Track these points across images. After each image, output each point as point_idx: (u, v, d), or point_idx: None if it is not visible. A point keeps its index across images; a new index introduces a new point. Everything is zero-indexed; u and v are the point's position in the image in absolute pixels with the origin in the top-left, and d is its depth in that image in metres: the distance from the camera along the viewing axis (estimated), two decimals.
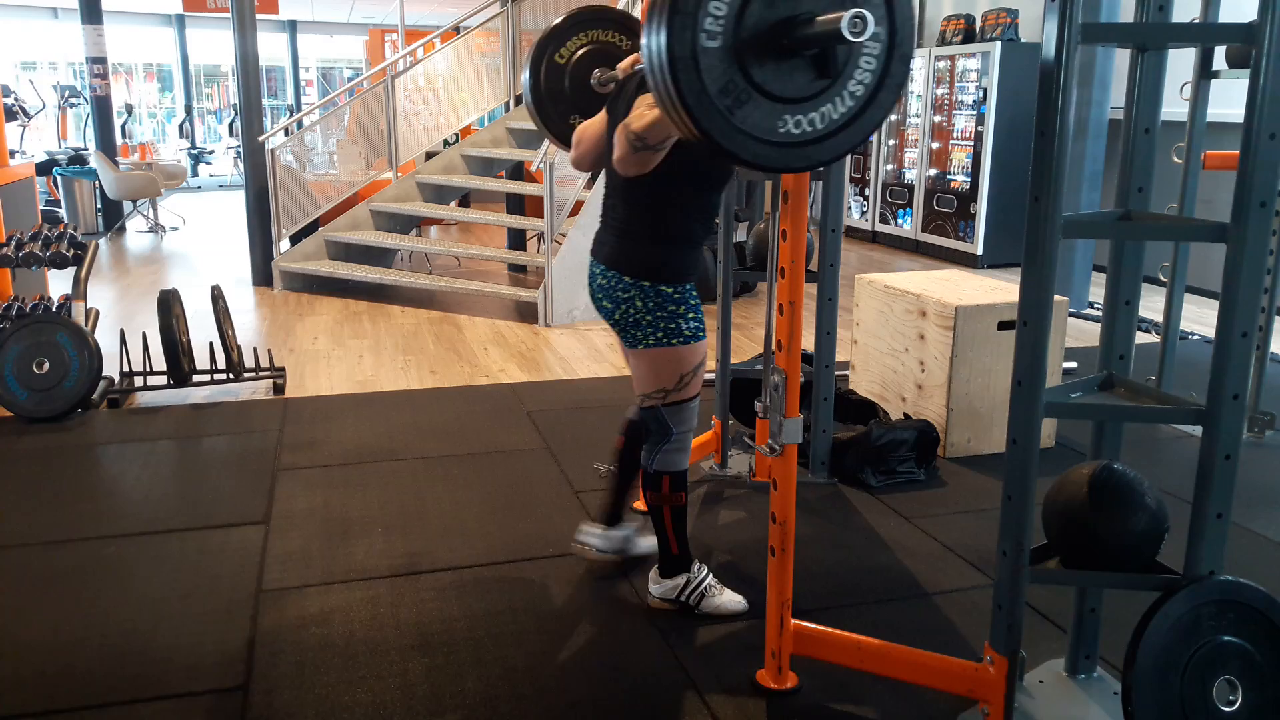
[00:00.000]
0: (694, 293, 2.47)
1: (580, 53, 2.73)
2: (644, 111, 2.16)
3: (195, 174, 15.08)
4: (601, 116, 2.53)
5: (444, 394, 4.70)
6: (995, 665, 2.04)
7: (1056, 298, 2.93)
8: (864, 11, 1.66)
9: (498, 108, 8.12)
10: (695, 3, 1.71)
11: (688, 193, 2.40)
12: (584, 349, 5.53)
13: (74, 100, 13.95)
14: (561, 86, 2.75)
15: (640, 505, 3.35)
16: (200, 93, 18.96)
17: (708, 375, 3.74)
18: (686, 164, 2.32)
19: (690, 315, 2.44)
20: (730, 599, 2.66)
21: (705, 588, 2.64)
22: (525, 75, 2.77)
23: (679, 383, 2.47)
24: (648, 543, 2.95)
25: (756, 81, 1.77)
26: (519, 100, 7.59)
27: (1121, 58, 6.31)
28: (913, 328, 3.92)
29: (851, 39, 1.66)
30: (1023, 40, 7.96)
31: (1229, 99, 3.20)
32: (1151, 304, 5.24)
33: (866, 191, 9.60)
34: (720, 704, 2.27)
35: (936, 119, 8.54)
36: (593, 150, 2.53)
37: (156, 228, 10.25)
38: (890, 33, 1.83)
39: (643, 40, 1.77)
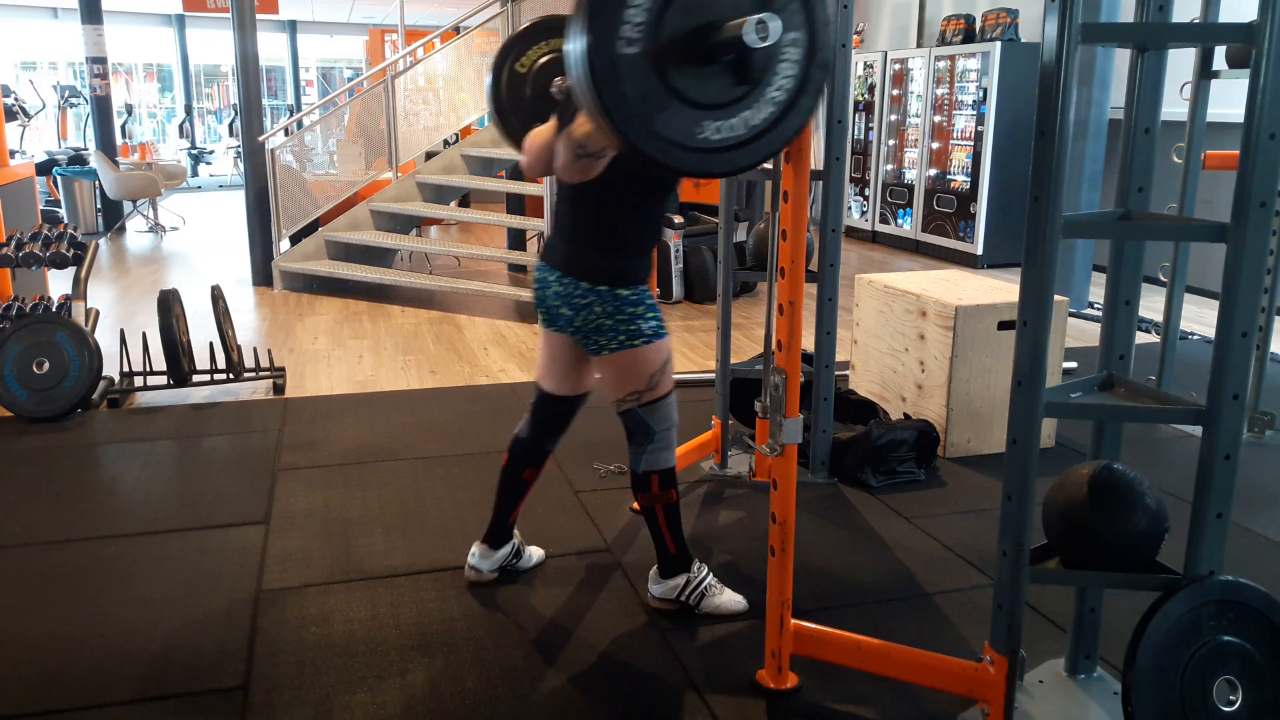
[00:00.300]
0: (649, 293, 2.47)
1: (542, 61, 2.71)
2: (585, 119, 2.14)
3: (195, 174, 15.09)
4: (551, 123, 2.51)
5: (444, 394, 4.70)
6: (995, 665, 2.04)
7: (1056, 298, 2.93)
8: (766, 17, 1.68)
9: None
10: (613, 10, 1.70)
11: (633, 199, 2.40)
12: None
13: (74, 100, 13.95)
14: (523, 94, 2.73)
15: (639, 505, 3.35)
16: (200, 93, 18.96)
17: (708, 375, 3.75)
18: (630, 171, 2.31)
19: (649, 315, 2.44)
20: (730, 599, 2.65)
21: (705, 587, 2.64)
22: (487, 83, 2.77)
23: (649, 383, 2.46)
24: (535, 556, 2.94)
25: (676, 88, 1.77)
26: None
27: (1121, 58, 6.31)
28: (913, 328, 3.92)
29: (754, 45, 1.68)
30: (1023, 40, 7.96)
31: (1229, 99, 3.20)
32: (1151, 304, 5.24)
33: (866, 191, 9.60)
34: (720, 704, 2.27)
35: (936, 119, 8.54)
36: (542, 157, 2.51)
37: (156, 228, 10.25)
38: (809, 39, 1.84)
39: (565, 46, 1.77)
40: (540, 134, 2.52)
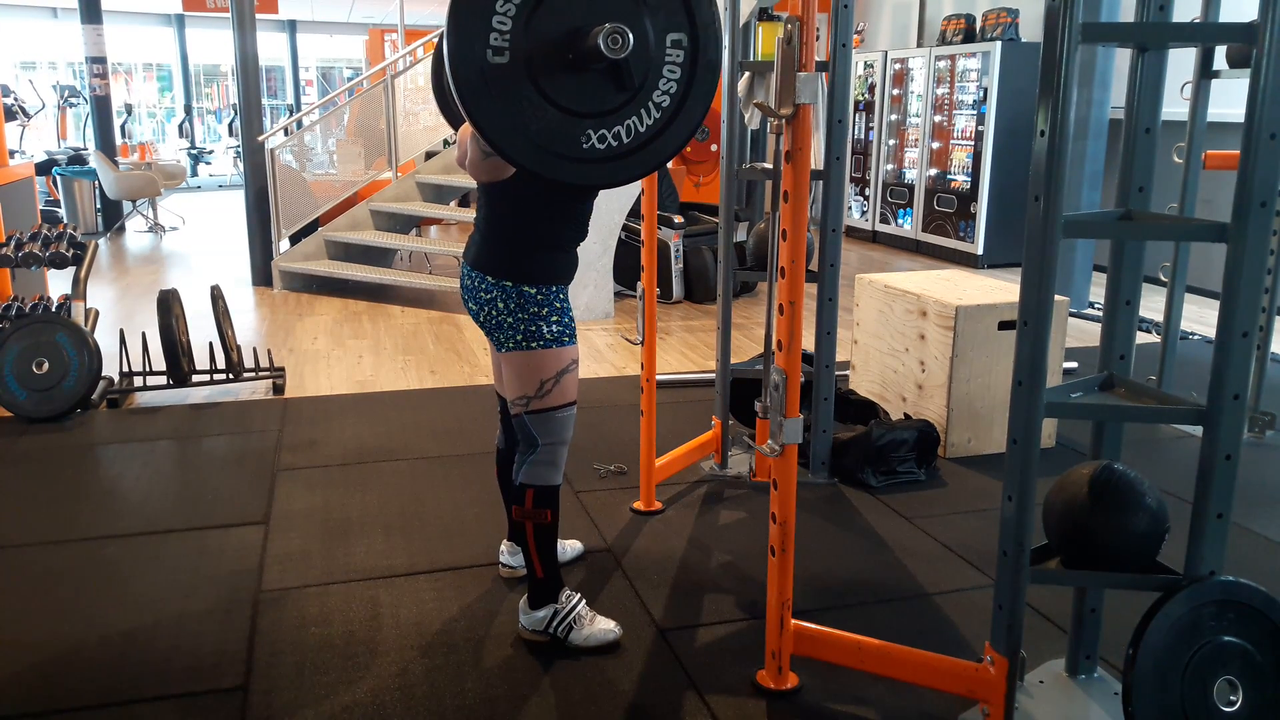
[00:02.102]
0: (562, 296, 2.35)
1: None
2: None
3: (195, 174, 15.08)
4: None
5: (444, 394, 4.70)
6: (995, 665, 2.04)
7: (1057, 298, 2.93)
8: (618, 27, 1.60)
9: None
10: (480, 17, 1.63)
11: (549, 199, 2.27)
12: (584, 349, 5.53)
13: (73, 100, 13.95)
14: None
15: (640, 505, 3.35)
16: (200, 92, 18.96)
17: (708, 375, 3.75)
18: None
19: (554, 319, 2.31)
20: (602, 629, 2.50)
21: (574, 618, 2.48)
22: (431, 80, 2.64)
23: (539, 389, 2.32)
24: (570, 549, 2.95)
25: (551, 96, 1.69)
26: None
27: (1121, 58, 6.31)
28: (913, 328, 3.92)
29: (610, 55, 1.61)
30: (1023, 40, 7.96)
31: (1229, 99, 3.20)
32: (1152, 304, 5.23)
33: (867, 191, 9.60)
34: (720, 704, 2.27)
35: (937, 119, 8.54)
36: (464, 153, 2.39)
37: (156, 228, 10.25)
38: (693, 40, 1.77)
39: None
40: (466, 130, 2.39)
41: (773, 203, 3.32)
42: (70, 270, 4.64)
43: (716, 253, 3.72)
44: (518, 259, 2.30)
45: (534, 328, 2.30)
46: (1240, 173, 1.82)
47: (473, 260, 2.37)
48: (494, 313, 2.32)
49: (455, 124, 2.61)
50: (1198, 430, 1.95)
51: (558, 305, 2.34)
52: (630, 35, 1.63)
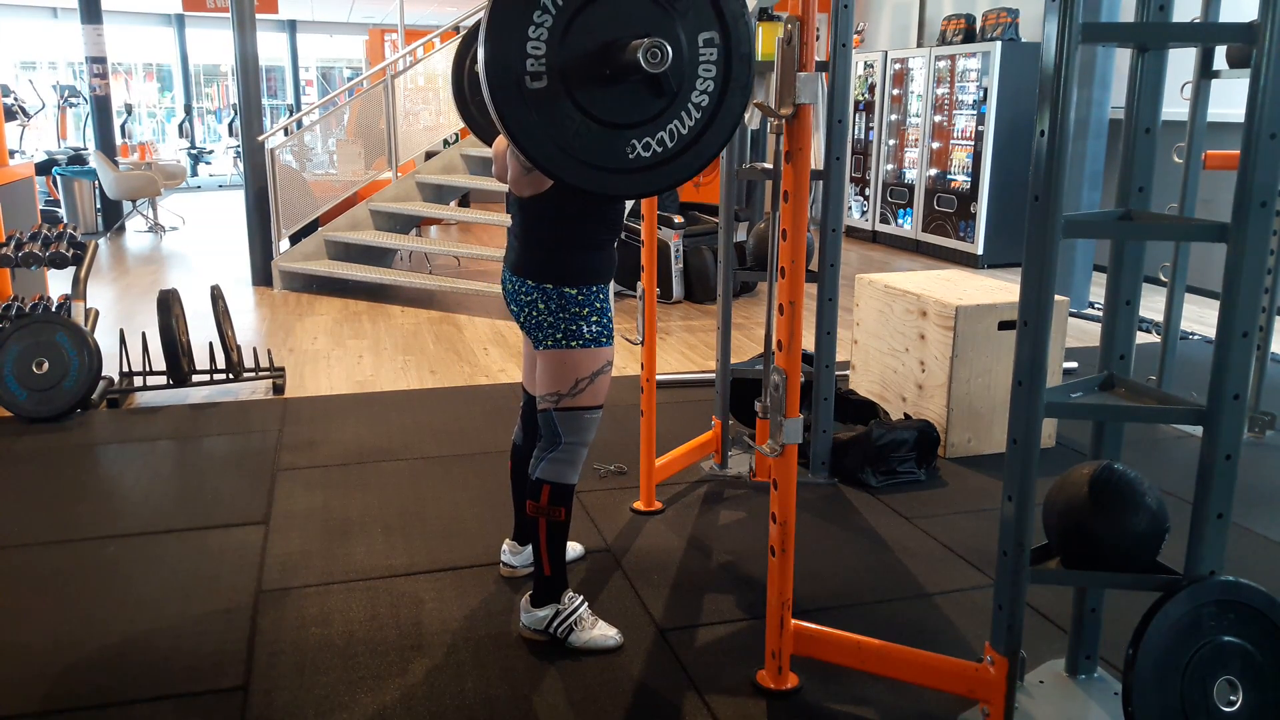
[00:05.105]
0: (602, 295, 2.37)
1: None
2: None
3: (195, 174, 15.08)
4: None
5: (444, 394, 4.70)
6: (995, 665, 2.04)
7: (1057, 298, 2.93)
8: (660, 41, 1.61)
9: None
10: (514, 40, 1.63)
11: (582, 203, 2.29)
12: None
13: (74, 100, 13.95)
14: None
15: (640, 505, 3.35)
16: (200, 92, 18.95)
17: (708, 375, 3.75)
18: None
19: (593, 319, 2.34)
20: (602, 633, 2.50)
21: (575, 620, 2.49)
22: (450, 87, 2.67)
23: (572, 387, 2.36)
24: (571, 550, 2.95)
25: (592, 111, 1.70)
26: None
27: (1121, 58, 6.31)
28: (913, 328, 3.92)
29: (650, 70, 1.62)
30: (1023, 40, 7.96)
31: (1229, 99, 3.20)
32: (1152, 304, 5.24)
33: (867, 191, 9.60)
34: (720, 704, 2.27)
35: (937, 119, 8.54)
36: (502, 166, 2.44)
37: (156, 228, 10.24)
38: (724, 35, 1.78)
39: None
40: (501, 143, 2.44)
41: (773, 203, 3.32)
42: (70, 270, 4.63)
43: (716, 253, 3.72)
44: (556, 262, 2.33)
45: (574, 327, 2.34)
46: (1240, 173, 1.82)
47: (513, 265, 2.41)
48: (534, 314, 2.35)
49: (487, 139, 2.65)
50: (1198, 430, 1.95)
51: (598, 305, 2.36)
52: (669, 49, 1.64)
